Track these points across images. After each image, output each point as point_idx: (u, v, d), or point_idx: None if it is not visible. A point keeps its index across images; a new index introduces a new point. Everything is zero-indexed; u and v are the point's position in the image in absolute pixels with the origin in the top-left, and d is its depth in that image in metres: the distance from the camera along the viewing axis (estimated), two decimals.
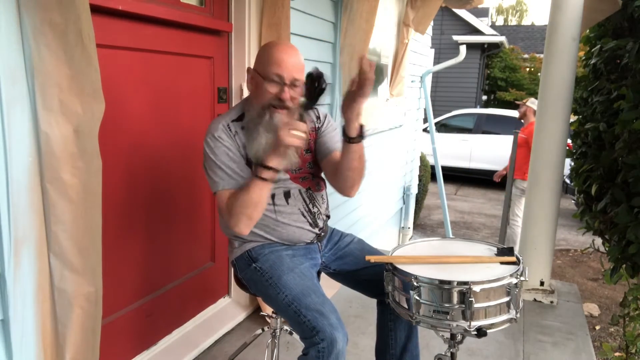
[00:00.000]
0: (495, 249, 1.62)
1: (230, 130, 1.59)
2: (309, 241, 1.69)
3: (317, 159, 1.74)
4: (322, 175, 1.77)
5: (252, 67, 1.63)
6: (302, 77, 1.57)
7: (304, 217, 1.66)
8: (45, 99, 1.25)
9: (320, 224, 1.71)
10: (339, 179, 1.64)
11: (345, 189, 1.66)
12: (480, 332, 1.35)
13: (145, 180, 2.05)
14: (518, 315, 1.42)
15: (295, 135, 1.39)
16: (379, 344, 1.79)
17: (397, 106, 4.65)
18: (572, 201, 7.19)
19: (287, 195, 1.64)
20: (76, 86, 1.28)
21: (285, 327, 1.89)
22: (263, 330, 1.97)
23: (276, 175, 1.47)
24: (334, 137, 1.74)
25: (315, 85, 1.43)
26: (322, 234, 1.73)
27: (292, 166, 1.56)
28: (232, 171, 1.56)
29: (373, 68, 1.41)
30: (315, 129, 1.74)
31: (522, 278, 1.43)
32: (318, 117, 1.76)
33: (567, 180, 5.84)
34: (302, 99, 1.50)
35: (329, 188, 1.75)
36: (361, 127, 1.54)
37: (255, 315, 2.64)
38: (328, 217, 1.78)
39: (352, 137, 1.54)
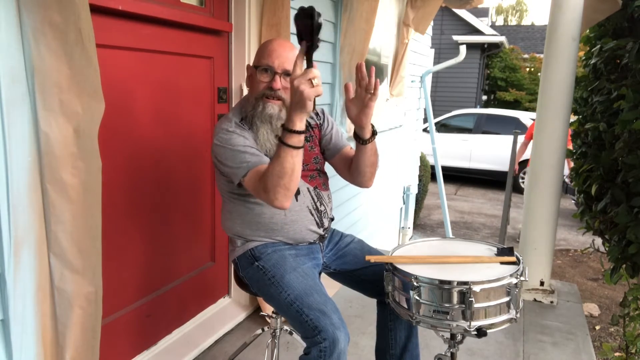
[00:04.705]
0: (495, 249, 1.62)
1: (243, 127, 1.59)
2: (312, 241, 1.70)
3: (326, 157, 1.77)
4: (326, 171, 1.78)
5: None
6: None
7: (312, 215, 1.66)
8: (45, 99, 1.25)
9: (326, 223, 1.71)
10: (358, 175, 1.68)
11: (364, 182, 1.71)
12: (480, 332, 1.35)
13: (145, 180, 2.05)
14: (518, 315, 1.42)
15: (317, 83, 1.29)
16: (379, 344, 1.79)
17: (397, 106, 4.65)
18: (572, 201, 7.19)
19: (296, 192, 1.63)
20: (76, 86, 1.28)
21: (285, 327, 1.89)
22: (263, 330, 1.97)
23: (303, 139, 1.38)
24: (338, 133, 1.78)
25: (310, 21, 1.26)
26: (326, 234, 1.73)
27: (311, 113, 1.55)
28: (254, 151, 1.53)
29: (373, 71, 1.42)
30: (318, 126, 1.76)
31: (522, 278, 1.43)
32: (317, 114, 1.77)
33: (567, 180, 5.84)
34: (302, 44, 1.30)
35: (332, 186, 1.76)
36: (372, 126, 1.56)
37: (255, 315, 2.64)
38: (332, 218, 1.78)
39: (367, 139, 1.56)
